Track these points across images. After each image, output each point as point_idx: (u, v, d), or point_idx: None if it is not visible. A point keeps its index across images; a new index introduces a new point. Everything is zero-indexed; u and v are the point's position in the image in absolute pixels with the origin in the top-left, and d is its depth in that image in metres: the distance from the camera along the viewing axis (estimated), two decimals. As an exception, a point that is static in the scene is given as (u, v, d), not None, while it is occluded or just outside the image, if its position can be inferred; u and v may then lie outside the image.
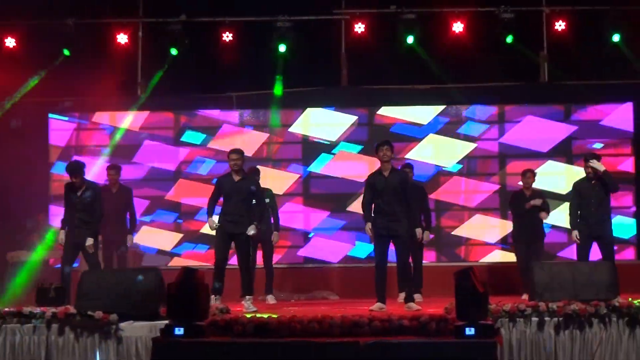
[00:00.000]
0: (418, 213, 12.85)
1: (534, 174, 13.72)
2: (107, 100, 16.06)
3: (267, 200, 13.69)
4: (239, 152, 12.26)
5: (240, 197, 12.09)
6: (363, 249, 15.66)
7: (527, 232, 13.42)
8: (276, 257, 15.61)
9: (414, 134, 16.01)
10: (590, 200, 12.37)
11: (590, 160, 12.32)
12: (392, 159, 11.89)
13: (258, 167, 14.30)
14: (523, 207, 13.44)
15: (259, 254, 13.89)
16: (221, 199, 12.24)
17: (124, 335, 9.89)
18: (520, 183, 13.86)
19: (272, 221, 13.95)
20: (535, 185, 13.68)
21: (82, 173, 12.14)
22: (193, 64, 15.84)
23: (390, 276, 11.82)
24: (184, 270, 9.46)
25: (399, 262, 11.72)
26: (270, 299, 13.80)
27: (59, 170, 15.69)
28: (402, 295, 12.59)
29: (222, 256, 12.02)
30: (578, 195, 12.46)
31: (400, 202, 11.64)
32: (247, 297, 12.02)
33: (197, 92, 16.09)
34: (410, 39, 15.42)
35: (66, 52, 15.51)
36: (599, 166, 12.27)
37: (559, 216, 14.99)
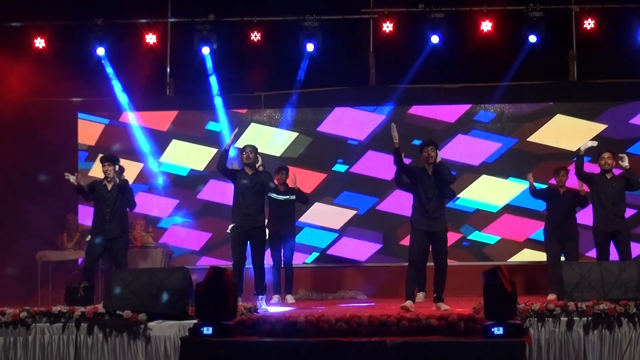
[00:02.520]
0: None
1: (567, 172, 13.46)
2: (136, 100, 16.15)
3: (292, 197, 13.78)
4: (252, 146, 12.31)
5: (254, 190, 12.13)
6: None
7: (560, 230, 13.21)
8: (304, 257, 15.67)
9: (443, 134, 15.96)
10: (608, 195, 12.35)
11: (620, 155, 12.28)
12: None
13: (287, 166, 14.36)
14: (555, 203, 13.32)
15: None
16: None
17: (152, 335, 9.94)
18: (553, 181, 13.71)
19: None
20: (567, 185, 13.56)
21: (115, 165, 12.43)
22: (221, 64, 15.88)
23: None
24: (213, 270, 9.48)
25: (438, 260, 11.71)
26: (290, 299, 13.78)
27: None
28: (421, 294, 12.62)
29: (239, 257, 12.00)
30: (593, 189, 12.51)
31: (441, 201, 11.64)
32: (260, 296, 12.03)
33: (226, 91, 16.12)
34: (435, 39, 15.38)
35: (100, 51, 15.58)
36: (626, 162, 12.23)
37: (588, 216, 14.93)
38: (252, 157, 12.15)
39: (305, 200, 14.49)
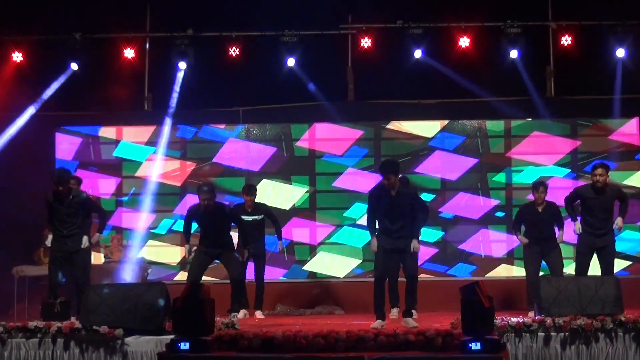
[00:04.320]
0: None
1: (546, 187, 13.20)
2: (114, 115, 16.12)
3: (260, 217, 13.75)
4: (206, 191, 12.18)
5: (216, 222, 12.23)
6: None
7: (541, 247, 12.98)
8: (281, 272, 15.66)
9: (420, 149, 16.00)
10: (596, 211, 12.28)
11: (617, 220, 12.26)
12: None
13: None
14: (534, 219, 13.06)
15: (250, 269, 13.89)
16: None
17: (129, 350, 9.89)
18: (531, 196, 13.49)
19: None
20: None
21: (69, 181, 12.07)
22: (200, 78, 15.88)
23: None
24: (190, 285, 9.46)
25: (406, 274, 11.67)
26: (259, 314, 13.72)
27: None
28: (395, 310, 12.59)
29: (195, 278, 12.02)
30: (582, 204, 12.41)
31: (406, 220, 11.51)
32: (233, 313, 12.09)
33: (204, 106, 16.12)
34: (418, 53, 15.43)
35: (74, 66, 15.55)
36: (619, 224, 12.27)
37: (567, 231, 14.99)
38: (211, 202, 12.12)
39: (274, 218, 14.22)
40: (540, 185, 13.17)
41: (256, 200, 13.95)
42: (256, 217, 13.79)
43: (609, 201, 12.36)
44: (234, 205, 13.88)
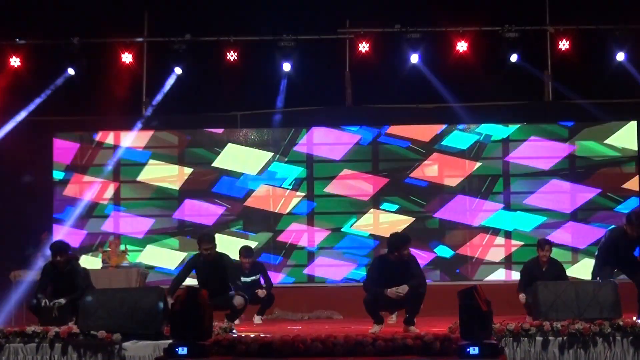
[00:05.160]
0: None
1: (552, 246, 12.82)
2: (112, 119, 16.14)
3: (257, 277, 13.80)
4: (208, 242, 11.98)
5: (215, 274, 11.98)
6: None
7: None
8: (280, 276, 15.66)
9: (418, 153, 16.01)
10: (627, 259, 11.58)
11: None
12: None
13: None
14: (538, 277, 12.14)
15: None
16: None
17: (127, 355, 9.87)
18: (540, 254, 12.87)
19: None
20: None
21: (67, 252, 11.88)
22: (197, 83, 15.88)
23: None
24: (188, 290, 9.45)
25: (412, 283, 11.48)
26: (257, 319, 13.66)
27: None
28: (394, 316, 12.53)
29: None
30: (614, 250, 11.49)
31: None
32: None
33: (202, 111, 16.13)
34: (414, 58, 15.44)
35: (71, 71, 15.56)
36: None
37: (563, 236, 15.07)
38: (212, 252, 11.95)
39: (267, 279, 13.96)
40: (545, 244, 12.80)
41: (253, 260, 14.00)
42: (254, 277, 13.73)
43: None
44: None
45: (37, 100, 15.62)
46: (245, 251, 13.88)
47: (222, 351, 9.48)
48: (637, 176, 15.79)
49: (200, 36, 15.75)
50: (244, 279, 13.20)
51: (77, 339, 9.96)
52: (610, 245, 11.50)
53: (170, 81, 15.86)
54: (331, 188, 16.08)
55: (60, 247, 11.90)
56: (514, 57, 15.38)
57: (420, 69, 15.61)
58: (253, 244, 15.49)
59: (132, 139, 16.27)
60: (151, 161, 16.23)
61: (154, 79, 16.15)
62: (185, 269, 12.21)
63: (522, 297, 12.55)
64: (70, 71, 15.59)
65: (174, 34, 15.67)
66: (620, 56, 15.31)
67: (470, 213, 15.97)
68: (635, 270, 11.49)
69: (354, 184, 16.01)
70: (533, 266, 12.87)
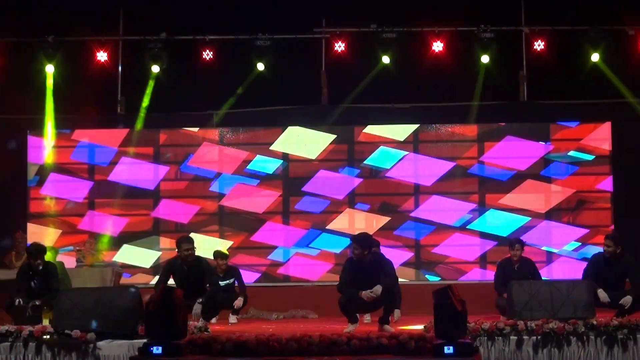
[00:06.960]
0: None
1: (523, 245, 12.98)
2: (87, 118, 16.07)
3: (232, 281, 13.69)
4: (188, 244, 12.17)
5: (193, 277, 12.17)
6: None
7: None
8: (256, 276, 15.65)
9: (393, 153, 16.03)
10: (609, 282, 11.63)
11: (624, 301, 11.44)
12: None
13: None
14: (512, 276, 12.27)
15: None
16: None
17: (101, 354, 9.83)
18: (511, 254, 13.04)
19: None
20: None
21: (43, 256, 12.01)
22: (173, 82, 15.84)
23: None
24: (163, 289, 9.43)
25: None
26: (232, 319, 13.63)
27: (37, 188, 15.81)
28: (368, 315, 12.52)
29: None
30: (595, 274, 11.68)
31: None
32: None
33: (177, 109, 16.09)
34: (385, 59, 15.46)
35: (49, 69, 15.50)
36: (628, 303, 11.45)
37: (538, 236, 15.12)
38: (193, 253, 12.09)
39: (242, 284, 13.82)
40: (516, 243, 12.95)
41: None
42: (228, 281, 13.67)
43: (620, 273, 11.82)
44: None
45: (11, 98, 15.56)
46: (219, 255, 13.85)
47: (197, 350, 9.48)
48: (611, 176, 15.86)
49: (175, 35, 15.72)
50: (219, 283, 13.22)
51: (51, 338, 9.91)
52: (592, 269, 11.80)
53: (151, 82, 15.85)
54: (307, 187, 16.08)
55: (38, 250, 12.02)
56: (485, 59, 15.44)
57: (396, 68, 15.61)
58: (228, 243, 15.50)
59: (107, 137, 16.20)
60: (126, 160, 16.16)
61: (129, 77, 16.10)
62: (163, 274, 12.30)
63: (499, 298, 12.49)
64: (49, 68, 15.53)
65: (149, 32, 15.64)
66: (595, 57, 15.41)
67: (445, 213, 15.99)
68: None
69: (330, 184, 16.01)
70: (506, 265, 13.00)
